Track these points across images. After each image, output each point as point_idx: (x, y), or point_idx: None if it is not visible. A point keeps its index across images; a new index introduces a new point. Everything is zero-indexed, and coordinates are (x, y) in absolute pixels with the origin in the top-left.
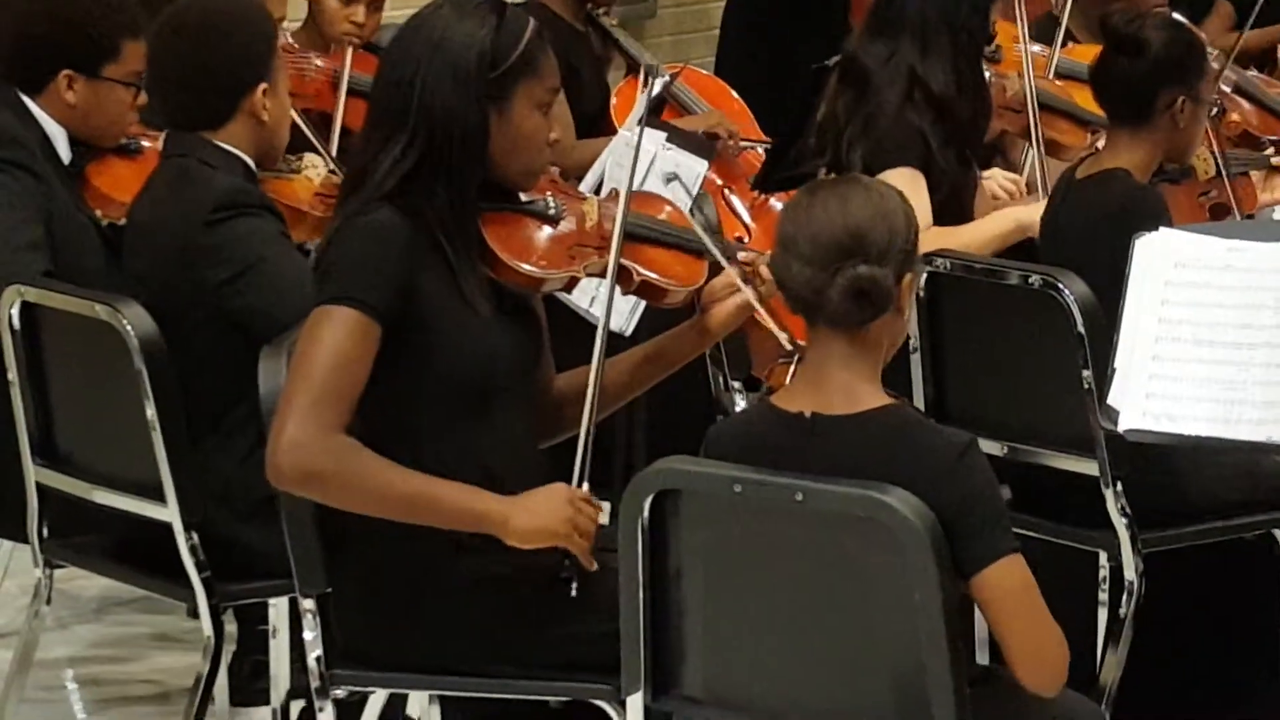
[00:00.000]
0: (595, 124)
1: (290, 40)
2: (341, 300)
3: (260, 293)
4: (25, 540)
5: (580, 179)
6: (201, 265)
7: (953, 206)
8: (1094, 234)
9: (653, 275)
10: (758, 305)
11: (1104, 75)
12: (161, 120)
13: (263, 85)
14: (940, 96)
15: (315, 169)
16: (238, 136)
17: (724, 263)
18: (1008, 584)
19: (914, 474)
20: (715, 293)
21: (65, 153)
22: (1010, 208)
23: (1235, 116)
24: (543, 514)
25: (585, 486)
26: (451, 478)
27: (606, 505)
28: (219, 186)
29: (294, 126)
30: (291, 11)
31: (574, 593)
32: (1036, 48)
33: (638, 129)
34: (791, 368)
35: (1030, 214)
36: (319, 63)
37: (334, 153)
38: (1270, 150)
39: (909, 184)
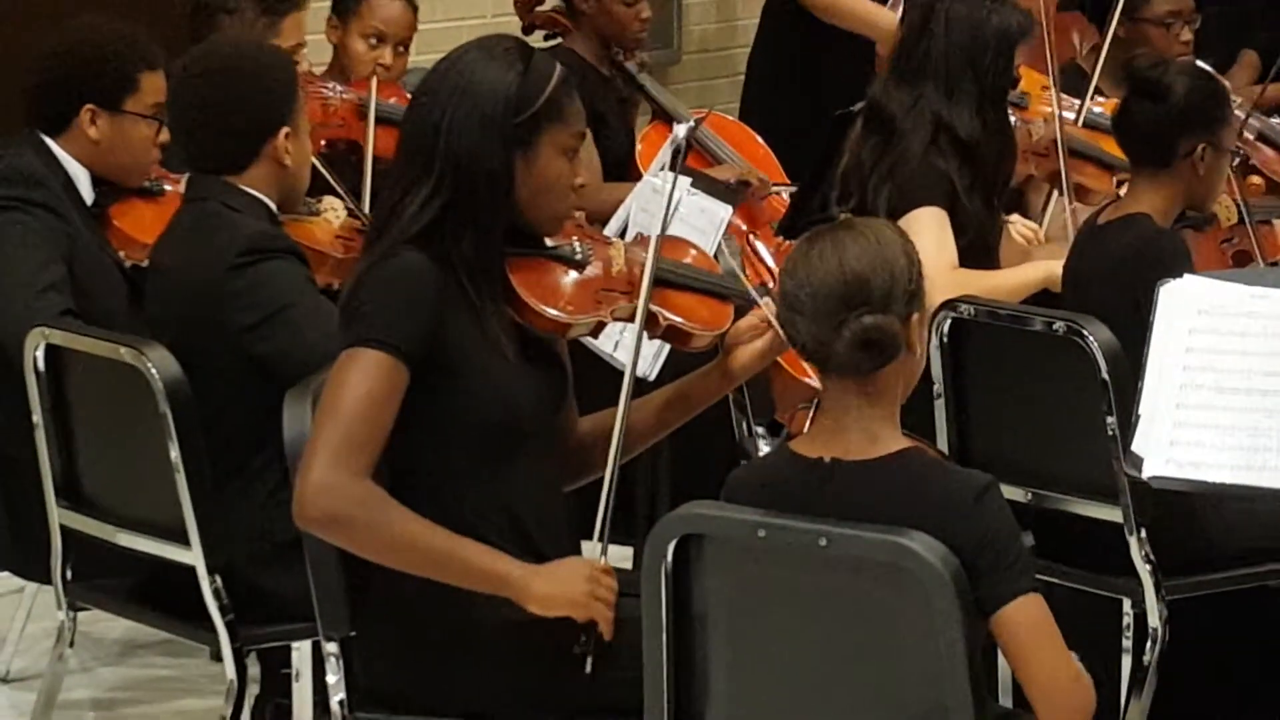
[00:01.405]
0: (620, 170)
1: (309, 69)
2: (369, 343)
3: (285, 338)
4: (49, 582)
5: (604, 223)
6: (227, 310)
7: (978, 250)
8: (1116, 278)
9: (679, 320)
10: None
11: (1127, 120)
12: (184, 163)
13: (285, 129)
14: (966, 141)
15: (335, 211)
16: (260, 180)
17: (758, 301)
18: (1028, 622)
19: (934, 516)
20: (739, 335)
21: (88, 194)
22: (1042, 259)
23: (1257, 180)
24: (564, 582)
25: (604, 556)
26: (477, 520)
27: (629, 550)
28: (245, 231)
29: (313, 169)
30: (314, 54)
31: (589, 669)
32: (1070, 101)
33: (665, 174)
34: (810, 413)
35: (1060, 268)
36: (342, 91)
37: (369, 182)
38: None
39: (935, 223)
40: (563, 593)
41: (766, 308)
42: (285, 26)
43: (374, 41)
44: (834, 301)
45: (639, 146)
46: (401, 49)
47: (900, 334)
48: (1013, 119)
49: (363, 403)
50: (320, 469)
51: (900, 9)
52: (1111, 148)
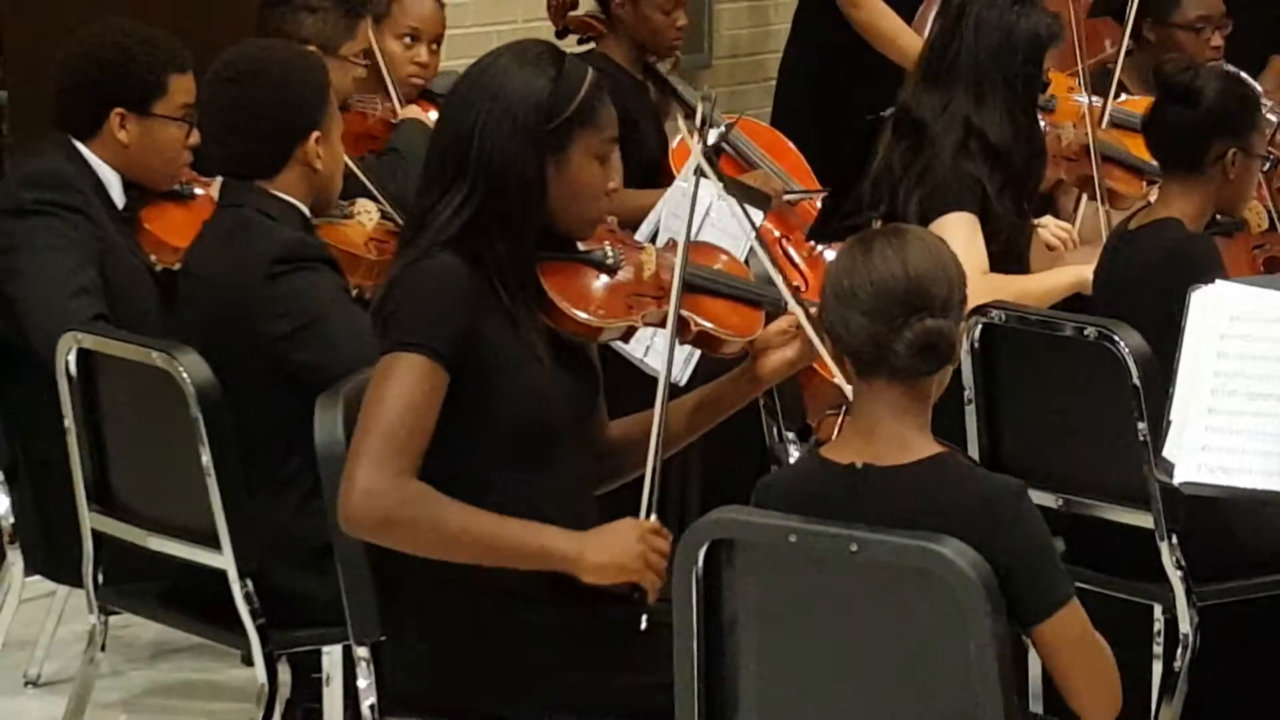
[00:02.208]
0: (653, 174)
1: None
2: (409, 347)
3: (318, 348)
4: (80, 585)
5: (634, 229)
6: (260, 318)
7: (1009, 255)
8: (1147, 284)
9: (710, 326)
10: (821, 349)
11: (1157, 124)
12: (217, 168)
13: (315, 133)
14: (996, 146)
15: (368, 214)
16: (292, 185)
17: (792, 304)
18: (1070, 632)
19: (966, 524)
20: (768, 341)
21: (119, 197)
22: (1073, 264)
23: None
24: (614, 549)
25: (654, 517)
26: None
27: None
28: (279, 239)
29: (347, 171)
30: None
31: (644, 625)
32: (1095, 100)
33: (694, 177)
34: (839, 419)
35: (1090, 272)
36: (380, 103)
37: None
38: None
39: (967, 228)
40: (615, 559)
41: (799, 313)
42: (360, 30)
43: (409, 40)
44: (896, 302)
45: (672, 148)
46: (435, 46)
47: (956, 340)
48: (1041, 123)
49: (403, 407)
50: (365, 475)
51: (932, 17)
52: (1140, 149)
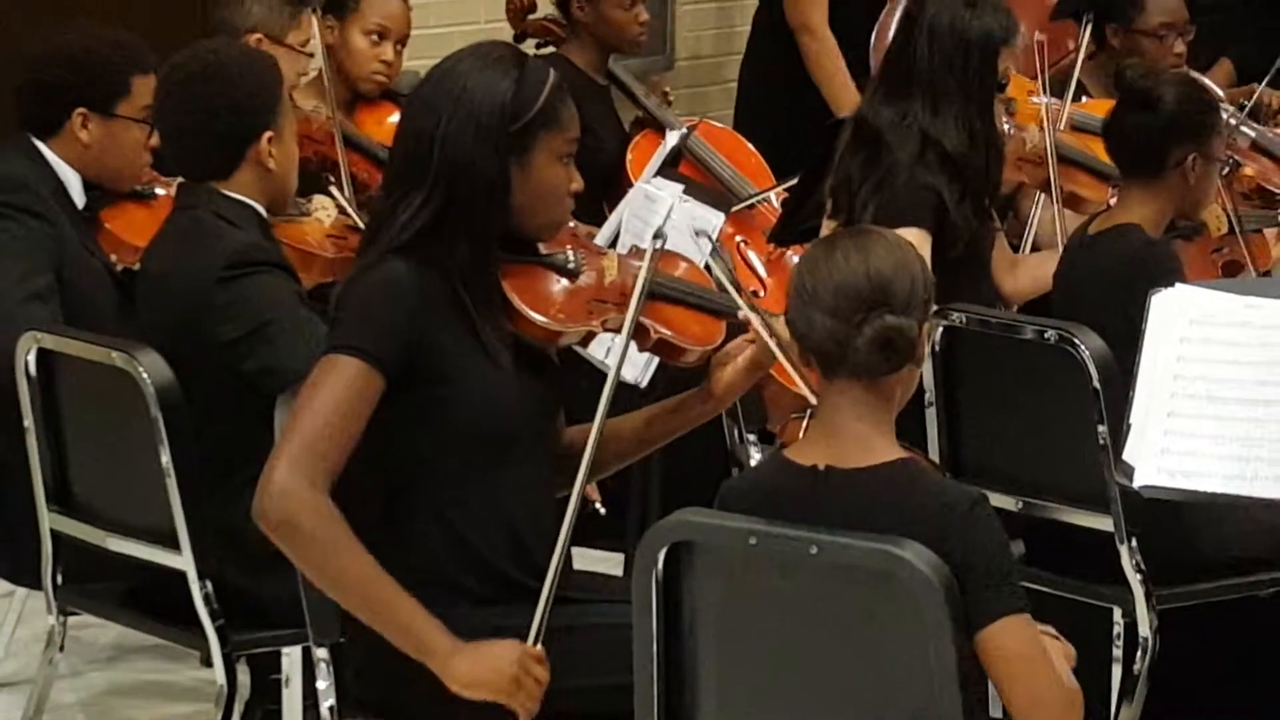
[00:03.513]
0: (610, 181)
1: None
2: (345, 349)
3: (266, 353)
4: (39, 587)
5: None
6: (211, 323)
7: (972, 260)
8: (1107, 289)
9: (669, 333)
10: (779, 353)
11: (1117, 129)
12: (173, 170)
13: (268, 133)
14: (953, 155)
15: (325, 210)
16: (247, 185)
17: (745, 310)
18: (1011, 644)
19: (923, 528)
20: (723, 358)
21: (80, 197)
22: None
23: (1249, 170)
24: (487, 666)
25: (538, 643)
26: (471, 527)
27: (620, 556)
28: (231, 243)
29: (302, 168)
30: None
31: None
32: (1052, 101)
33: (657, 180)
34: (805, 423)
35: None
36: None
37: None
38: None
39: (916, 244)
40: (485, 678)
41: (754, 317)
42: (303, 19)
43: (376, 38)
44: (857, 299)
45: (629, 155)
46: (400, 47)
47: (916, 338)
48: (1006, 126)
49: (333, 410)
50: (282, 473)
51: (892, 27)
52: (1104, 153)
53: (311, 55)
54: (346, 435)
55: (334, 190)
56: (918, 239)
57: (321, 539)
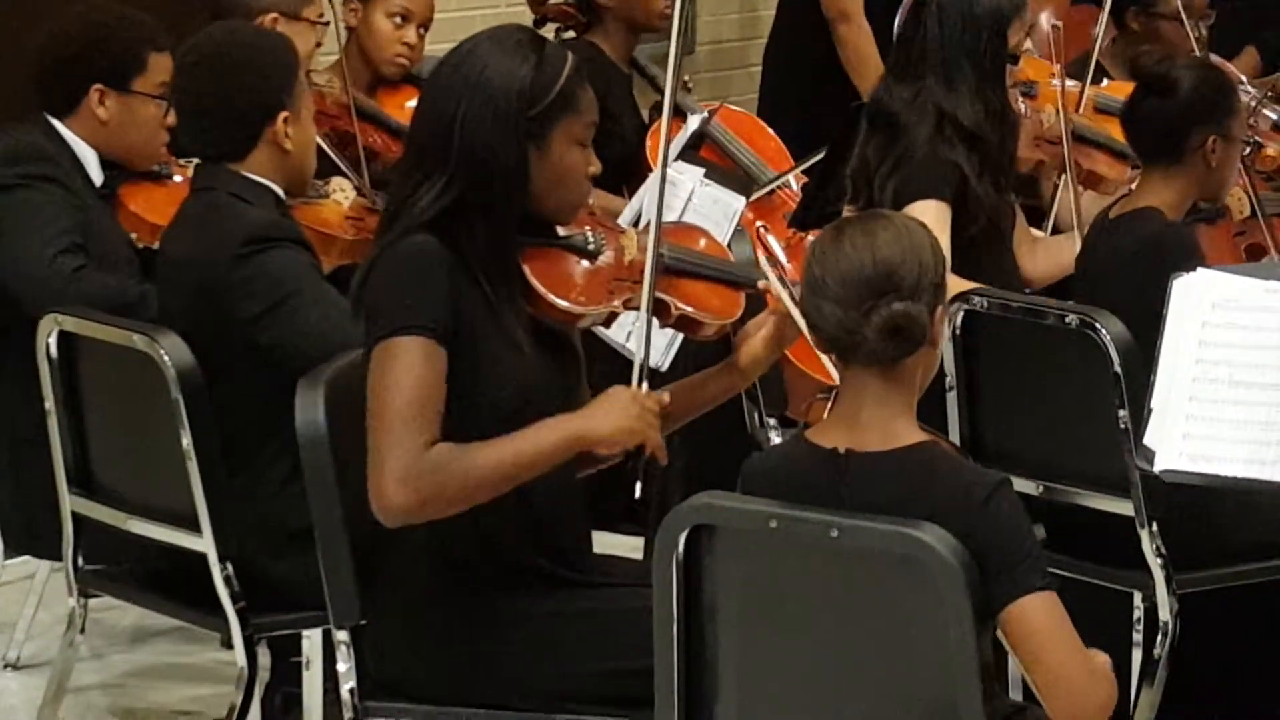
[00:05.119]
0: (628, 170)
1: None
2: (403, 331)
3: (288, 327)
4: (61, 560)
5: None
6: (232, 300)
7: (993, 235)
8: (1127, 273)
9: (690, 309)
10: (802, 323)
11: (1135, 115)
12: (190, 151)
13: (284, 114)
14: (970, 129)
15: (344, 192)
16: (264, 166)
17: (769, 278)
18: (1034, 620)
19: (945, 511)
20: (747, 332)
21: (97, 175)
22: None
23: (1271, 150)
24: (617, 414)
25: (645, 386)
26: (489, 506)
27: (640, 540)
28: (249, 220)
29: (320, 151)
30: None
31: (638, 494)
32: (1072, 83)
33: (678, 164)
34: (829, 404)
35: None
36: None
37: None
38: None
39: (935, 216)
40: (621, 423)
41: (775, 288)
42: None
43: (399, 20)
44: (864, 288)
45: (649, 140)
46: (423, 30)
47: (926, 323)
48: (1023, 108)
49: (415, 391)
50: (393, 463)
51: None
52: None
53: (328, 24)
54: (435, 409)
55: (348, 172)
56: (938, 212)
57: (455, 479)
